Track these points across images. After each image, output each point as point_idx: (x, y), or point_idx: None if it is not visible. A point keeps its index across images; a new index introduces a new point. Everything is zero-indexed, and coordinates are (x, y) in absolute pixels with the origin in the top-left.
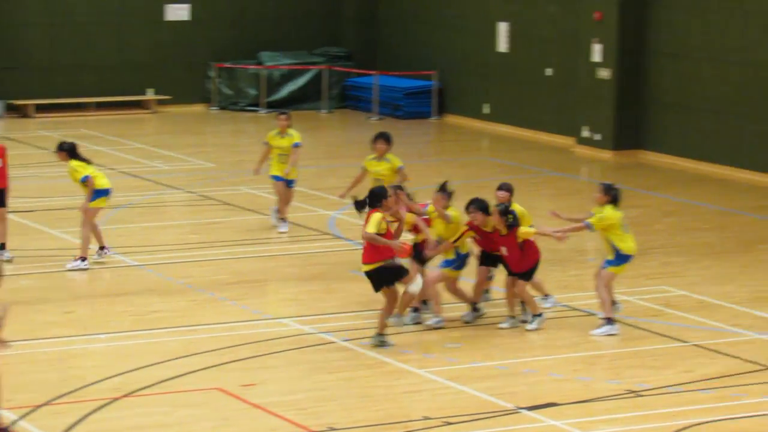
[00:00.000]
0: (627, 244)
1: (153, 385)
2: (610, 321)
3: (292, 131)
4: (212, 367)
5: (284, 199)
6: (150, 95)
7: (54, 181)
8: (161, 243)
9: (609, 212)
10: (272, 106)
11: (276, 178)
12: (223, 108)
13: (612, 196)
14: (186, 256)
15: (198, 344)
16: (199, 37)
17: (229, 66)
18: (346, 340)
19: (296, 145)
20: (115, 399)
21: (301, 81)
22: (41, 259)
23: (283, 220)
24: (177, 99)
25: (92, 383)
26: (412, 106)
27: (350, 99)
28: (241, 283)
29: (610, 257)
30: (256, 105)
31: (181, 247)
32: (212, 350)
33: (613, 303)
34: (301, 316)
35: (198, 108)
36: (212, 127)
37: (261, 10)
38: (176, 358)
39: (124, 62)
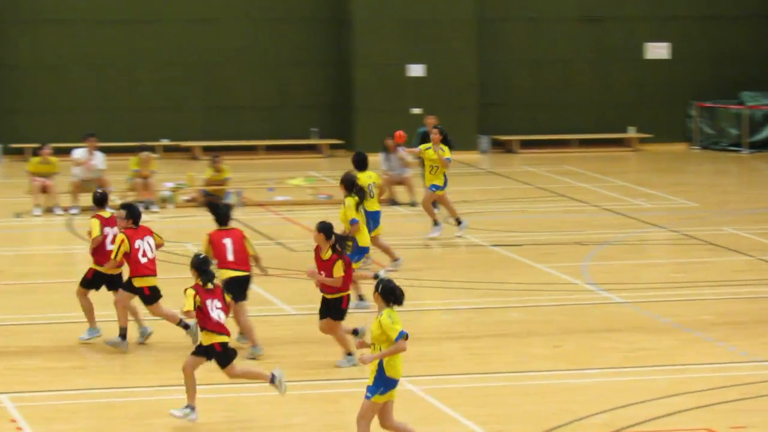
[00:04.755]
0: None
1: (642, 422)
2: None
3: None
4: (700, 407)
5: None
6: (631, 133)
7: (541, 216)
8: (646, 281)
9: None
10: (755, 146)
11: None
12: (704, 147)
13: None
14: (671, 295)
15: (686, 384)
16: (678, 75)
17: (709, 105)
18: None
19: None
20: None
21: None
22: (529, 293)
23: None
24: (657, 137)
25: (582, 418)
26: None
27: None
28: (726, 324)
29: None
30: (738, 145)
31: (665, 285)
32: (700, 390)
33: None
34: None
35: (678, 147)
36: (693, 167)
37: (742, 48)
38: (664, 397)
39: (605, 100)
